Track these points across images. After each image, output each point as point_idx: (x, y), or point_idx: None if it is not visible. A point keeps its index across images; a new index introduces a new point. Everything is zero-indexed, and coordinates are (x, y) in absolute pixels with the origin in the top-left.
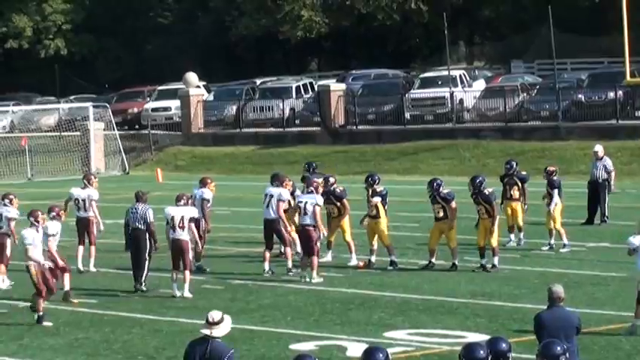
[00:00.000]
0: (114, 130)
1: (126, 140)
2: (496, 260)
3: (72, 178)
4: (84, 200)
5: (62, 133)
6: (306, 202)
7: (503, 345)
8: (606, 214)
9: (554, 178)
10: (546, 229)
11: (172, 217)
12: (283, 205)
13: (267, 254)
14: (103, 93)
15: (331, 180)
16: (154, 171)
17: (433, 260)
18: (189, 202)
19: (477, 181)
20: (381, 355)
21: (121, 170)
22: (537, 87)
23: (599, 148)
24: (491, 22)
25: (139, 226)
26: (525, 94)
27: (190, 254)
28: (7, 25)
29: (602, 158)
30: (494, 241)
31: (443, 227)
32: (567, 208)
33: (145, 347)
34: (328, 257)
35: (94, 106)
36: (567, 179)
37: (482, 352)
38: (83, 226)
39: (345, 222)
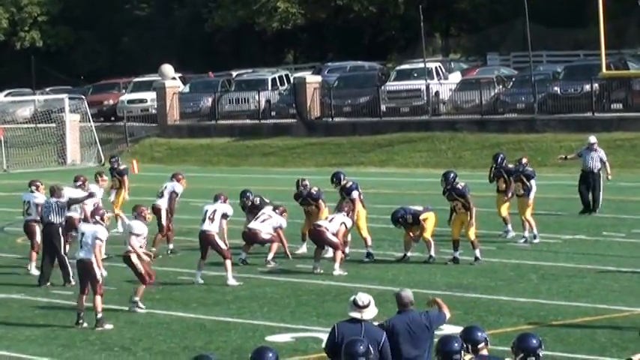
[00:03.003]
0: (89, 121)
1: (102, 132)
2: (478, 252)
3: (48, 169)
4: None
5: (38, 125)
6: (333, 218)
7: (534, 341)
8: (600, 203)
9: (529, 169)
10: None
11: (206, 211)
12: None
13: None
14: (78, 85)
15: (305, 182)
16: (130, 163)
17: (457, 255)
18: (226, 200)
19: (451, 176)
20: (270, 355)
21: (96, 162)
22: (513, 79)
23: (594, 139)
24: (467, 14)
25: (53, 220)
26: (501, 87)
27: (222, 244)
28: None
29: (596, 149)
30: (472, 234)
31: (464, 218)
32: (543, 200)
33: (121, 339)
34: (303, 249)
35: (69, 98)
36: (543, 172)
37: (456, 344)
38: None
39: (362, 218)
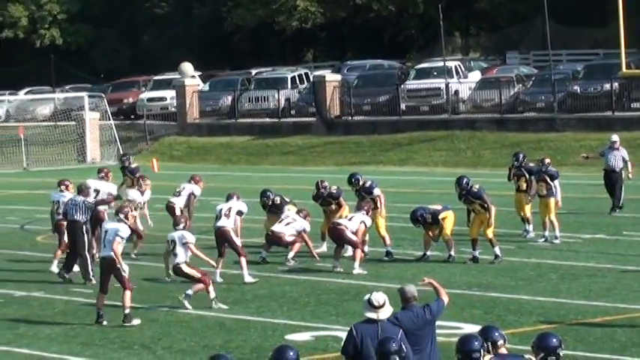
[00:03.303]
0: (109, 119)
1: (121, 130)
2: (497, 250)
3: (67, 167)
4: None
5: (58, 123)
6: (353, 217)
7: (554, 340)
8: (622, 202)
9: (553, 169)
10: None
11: (220, 209)
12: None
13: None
14: (98, 83)
15: (325, 183)
16: (149, 161)
17: (476, 254)
18: (239, 198)
19: (464, 181)
20: (291, 353)
21: (116, 160)
22: (533, 78)
23: (616, 138)
24: (487, 12)
25: (78, 218)
26: (521, 86)
27: (238, 241)
28: (3, 15)
29: (618, 148)
30: (490, 232)
31: (484, 218)
32: (563, 200)
33: (141, 337)
34: (323, 248)
35: (89, 96)
36: (563, 171)
37: (476, 343)
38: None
39: (380, 217)
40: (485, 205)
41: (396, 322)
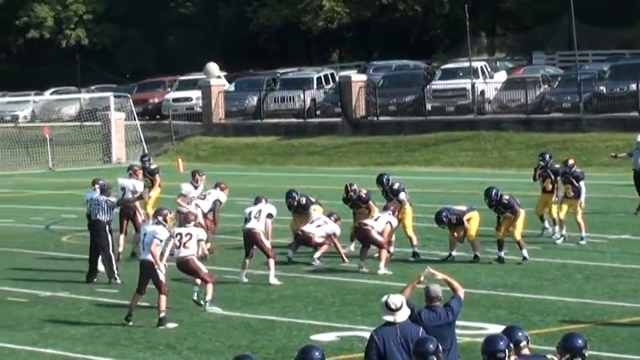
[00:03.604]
0: (135, 120)
1: (147, 130)
2: (525, 252)
3: (93, 168)
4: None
5: (83, 123)
6: (379, 217)
7: (579, 341)
8: None
9: (577, 170)
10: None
11: (250, 212)
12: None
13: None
14: (124, 83)
15: (354, 187)
16: (175, 161)
17: (502, 254)
18: (267, 201)
19: (493, 192)
20: (317, 354)
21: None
22: (559, 78)
23: None
24: (512, 12)
25: (101, 218)
26: (547, 86)
27: (267, 243)
28: (29, 15)
29: None
30: (518, 234)
31: (513, 221)
32: (589, 200)
33: (166, 337)
34: (351, 247)
35: (115, 96)
36: (589, 171)
37: (502, 343)
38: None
39: (408, 217)
40: (515, 215)
41: (420, 320)
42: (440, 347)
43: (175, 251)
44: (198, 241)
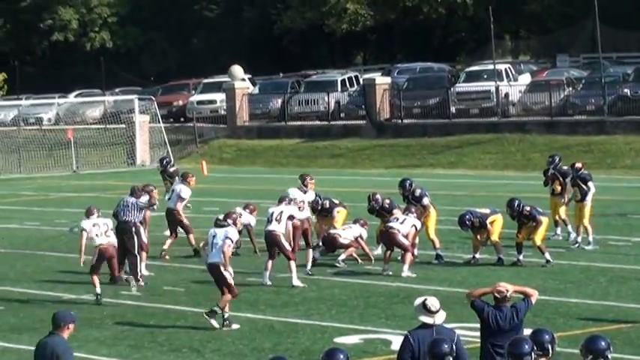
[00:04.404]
0: (159, 122)
1: (171, 133)
2: (548, 256)
3: (117, 170)
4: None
5: (107, 126)
6: (405, 219)
7: (603, 343)
8: None
9: (585, 171)
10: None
11: (272, 213)
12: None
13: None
14: (148, 86)
15: (377, 196)
16: (199, 163)
17: (521, 257)
18: (291, 202)
19: (516, 204)
20: (341, 356)
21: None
22: (583, 81)
23: None
24: (536, 15)
25: (128, 219)
26: (571, 89)
27: (287, 245)
28: (53, 18)
29: None
30: (539, 239)
31: (534, 227)
32: (613, 202)
33: (190, 340)
34: (378, 251)
35: (139, 99)
36: (613, 174)
37: (527, 346)
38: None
39: (432, 220)
40: (537, 224)
41: (487, 319)
42: (454, 348)
43: (203, 254)
44: (226, 238)
